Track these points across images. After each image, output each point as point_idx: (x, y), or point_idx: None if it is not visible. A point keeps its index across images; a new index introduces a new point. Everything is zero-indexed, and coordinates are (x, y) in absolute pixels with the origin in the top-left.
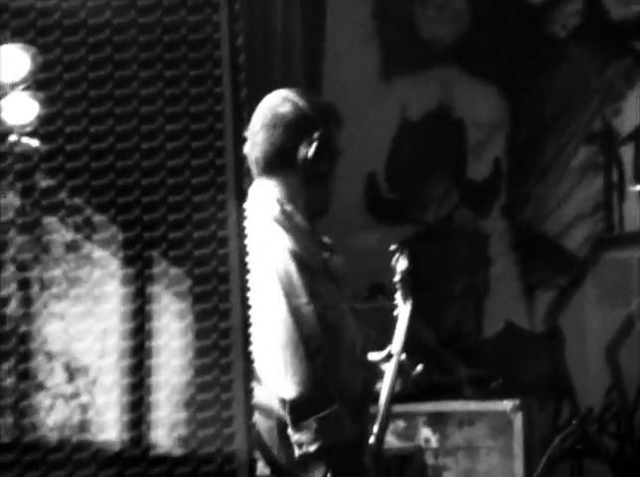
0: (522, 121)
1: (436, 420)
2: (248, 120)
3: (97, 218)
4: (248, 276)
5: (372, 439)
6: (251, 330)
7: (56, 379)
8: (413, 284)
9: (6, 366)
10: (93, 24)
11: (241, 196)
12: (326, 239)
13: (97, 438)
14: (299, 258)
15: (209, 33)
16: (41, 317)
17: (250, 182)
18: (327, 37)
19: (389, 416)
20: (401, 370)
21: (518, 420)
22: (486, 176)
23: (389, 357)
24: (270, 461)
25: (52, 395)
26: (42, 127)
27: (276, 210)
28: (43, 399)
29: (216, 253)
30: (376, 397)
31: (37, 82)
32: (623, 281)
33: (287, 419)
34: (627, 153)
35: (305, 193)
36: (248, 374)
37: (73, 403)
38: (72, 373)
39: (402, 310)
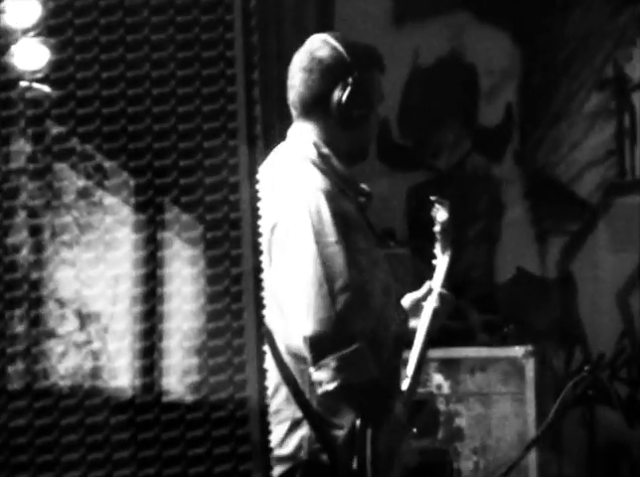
0: (534, 67)
1: (448, 367)
2: (260, 66)
3: (109, 164)
4: (260, 222)
5: (405, 384)
6: (263, 276)
7: (67, 326)
8: (453, 235)
9: (18, 312)
10: None
11: (253, 141)
12: (363, 185)
13: (109, 385)
14: (332, 200)
15: None
16: (52, 264)
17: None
18: None
19: (423, 359)
20: (437, 317)
21: (530, 366)
22: (498, 122)
23: (428, 293)
24: (302, 404)
25: (63, 341)
26: (53, 73)
27: (313, 152)
28: (54, 347)
29: (227, 199)
30: (409, 343)
31: (48, 28)
32: (635, 227)
33: (308, 358)
34: (639, 99)
35: (342, 137)
36: (260, 320)
37: (84, 350)
38: (83, 319)
39: (441, 260)
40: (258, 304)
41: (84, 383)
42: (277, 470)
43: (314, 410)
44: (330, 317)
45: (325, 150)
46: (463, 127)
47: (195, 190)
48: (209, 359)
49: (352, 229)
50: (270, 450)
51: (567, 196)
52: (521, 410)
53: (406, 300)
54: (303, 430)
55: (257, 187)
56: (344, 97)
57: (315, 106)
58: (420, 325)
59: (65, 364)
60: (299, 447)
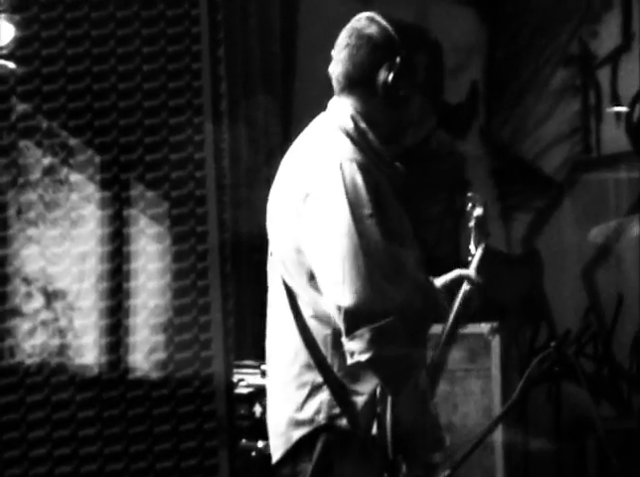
0: (499, 43)
1: None
2: (224, 43)
3: (74, 141)
4: (225, 198)
5: (429, 359)
6: (228, 252)
7: (33, 303)
8: (487, 230)
9: None
10: None
11: (219, 118)
12: (397, 163)
13: (75, 362)
14: (367, 172)
15: None
16: (18, 241)
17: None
18: None
19: (453, 337)
20: (468, 299)
21: (496, 343)
22: (463, 99)
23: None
24: (324, 369)
25: (29, 319)
26: (18, 50)
27: (350, 125)
28: (21, 324)
29: (193, 176)
30: (438, 318)
31: (12, 5)
32: (600, 203)
33: (342, 328)
34: (604, 75)
35: (382, 116)
36: (226, 296)
37: (51, 327)
38: (49, 296)
39: (476, 252)
40: (224, 281)
41: (50, 360)
42: (297, 433)
43: (335, 376)
44: (365, 289)
45: (363, 124)
46: (428, 104)
47: (160, 167)
48: (175, 336)
49: (386, 201)
50: (236, 426)
51: (533, 172)
52: (486, 387)
53: (436, 282)
54: (323, 395)
55: (223, 164)
56: (390, 77)
57: (360, 83)
58: (454, 305)
59: (31, 341)
60: (318, 411)
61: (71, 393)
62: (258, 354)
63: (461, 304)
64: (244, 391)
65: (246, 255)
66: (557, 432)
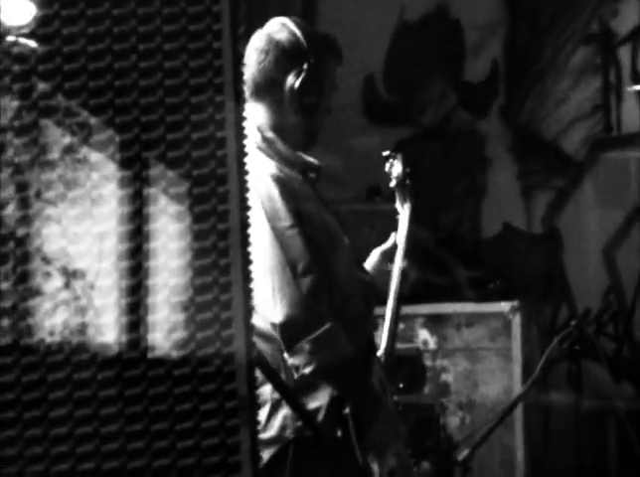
0: (520, 22)
1: (434, 322)
2: (246, 20)
3: (94, 120)
4: (247, 177)
5: (381, 347)
6: (250, 231)
7: (54, 282)
8: (411, 187)
9: (3, 269)
10: None
11: (239, 97)
12: (311, 159)
13: (96, 341)
14: (282, 183)
15: None
16: (38, 220)
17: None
18: None
19: (397, 318)
20: (404, 274)
21: (516, 322)
22: (484, 77)
23: (394, 248)
24: (278, 385)
25: (50, 298)
26: (39, 29)
27: (258, 137)
28: (41, 303)
29: (214, 155)
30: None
31: None
32: (621, 182)
33: (281, 343)
34: (625, 54)
35: (290, 122)
36: (248, 275)
37: (71, 306)
38: (69, 276)
39: (402, 214)
40: (246, 259)
41: (71, 339)
42: (266, 453)
43: (290, 390)
44: (298, 301)
45: (269, 134)
46: (449, 83)
47: (181, 145)
48: (196, 314)
49: (306, 209)
50: (258, 405)
51: (553, 151)
52: (507, 366)
53: (375, 254)
54: (284, 410)
55: (244, 142)
56: (297, 83)
57: (267, 89)
58: (391, 284)
59: (52, 320)
60: (284, 427)
61: (92, 371)
62: None
63: (399, 282)
64: None
65: None
66: (576, 411)
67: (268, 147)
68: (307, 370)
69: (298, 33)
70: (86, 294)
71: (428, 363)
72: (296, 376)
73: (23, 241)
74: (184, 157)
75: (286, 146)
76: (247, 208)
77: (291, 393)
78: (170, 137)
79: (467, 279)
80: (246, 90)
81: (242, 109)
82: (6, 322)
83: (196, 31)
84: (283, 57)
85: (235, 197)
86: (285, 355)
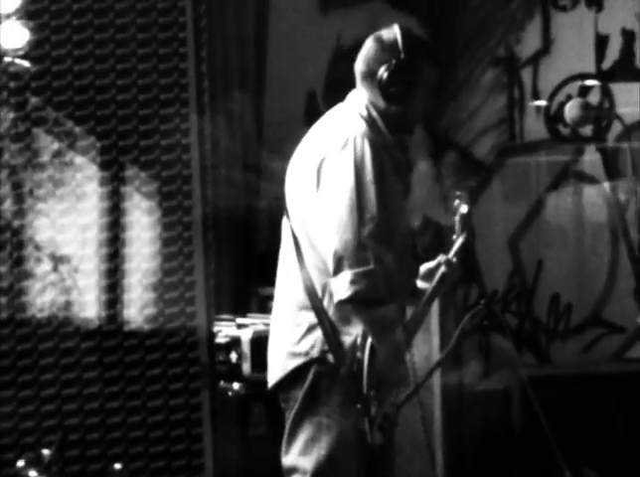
0: (438, 47)
1: None
2: (207, 45)
3: (79, 129)
4: (207, 178)
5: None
6: (209, 223)
7: (43, 266)
8: (470, 225)
9: (1, 254)
10: None
11: (202, 109)
12: (400, 154)
13: (79, 316)
14: (375, 148)
15: None
16: (31, 213)
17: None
18: None
19: (425, 315)
20: (444, 280)
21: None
22: None
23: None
24: (318, 311)
25: (40, 280)
26: (32, 51)
27: (365, 112)
28: (33, 284)
29: (180, 159)
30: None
31: (27, 13)
32: (523, 183)
33: (330, 269)
34: (527, 75)
35: (385, 109)
36: (208, 260)
37: (58, 287)
38: (57, 261)
39: (456, 242)
40: (206, 247)
41: (58, 314)
42: (292, 363)
43: (328, 318)
44: (354, 239)
45: (374, 113)
46: None
47: (152, 151)
48: (164, 294)
49: (387, 176)
50: (215, 371)
51: (467, 157)
52: (427, 337)
53: (421, 268)
54: (317, 333)
55: (206, 148)
56: (385, 75)
57: (367, 78)
58: (432, 282)
59: (42, 298)
60: (312, 346)
61: (76, 341)
62: (234, 309)
63: (438, 282)
64: (223, 340)
65: (225, 226)
66: (486, 376)
67: (372, 122)
68: (343, 295)
69: (398, 34)
70: (71, 276)
71: None
72: (334, 299)
73: (18, 232)
74: (154, 160)
75: (385, 128)
76: (208, 203)
77: (328, 320)
78: (143, 144)
79: None
80: (357, 77)
81: (205, 121)
82: (3, 300)
83: (165, 53)
84: (380, 51)
85: (197, 194)
86: (331, 279)
